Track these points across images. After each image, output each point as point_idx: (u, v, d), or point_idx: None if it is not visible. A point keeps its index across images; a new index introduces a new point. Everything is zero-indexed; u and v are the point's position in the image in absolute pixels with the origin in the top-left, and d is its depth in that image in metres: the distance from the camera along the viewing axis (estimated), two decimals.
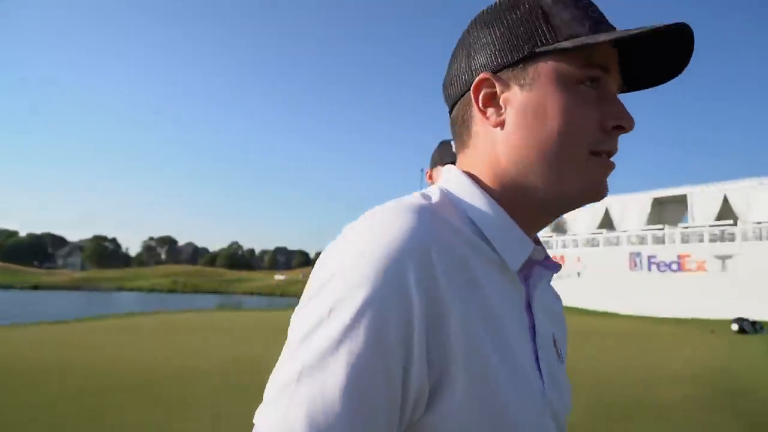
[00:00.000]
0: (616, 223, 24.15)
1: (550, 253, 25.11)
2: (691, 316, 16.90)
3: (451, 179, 0.58)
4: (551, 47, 0.51)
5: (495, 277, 0.52)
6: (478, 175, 0.57)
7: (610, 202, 24.41)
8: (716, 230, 19.30)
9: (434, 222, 0.49)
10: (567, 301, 22.27)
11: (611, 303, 20.54)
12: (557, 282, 19.37)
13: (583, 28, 0.51)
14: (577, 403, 6.29)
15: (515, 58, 0.53)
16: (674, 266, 19.85)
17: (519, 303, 0.54)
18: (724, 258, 18.39)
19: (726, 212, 20.18)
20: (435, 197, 0.54)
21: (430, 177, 1.79)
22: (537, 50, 0.52)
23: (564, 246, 24.58)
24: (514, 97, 0.53)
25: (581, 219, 25.38)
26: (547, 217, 0.57)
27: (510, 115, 0.53)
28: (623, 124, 0.51)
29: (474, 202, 0.54)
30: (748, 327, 12.49)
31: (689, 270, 19.42)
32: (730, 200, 20.00)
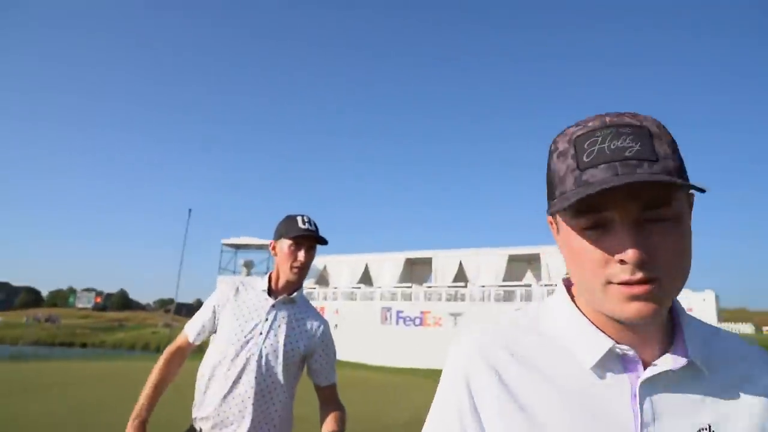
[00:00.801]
0: (373, 278, 26.07)
1: (315, 304, 25.60)
2: (428, 367, 18.87)
3: (555, 291, 0.75)
4: (553, 208, 0.60)
5: (563, 370, 0.64)
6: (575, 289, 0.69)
7: (369, 259, 26.37)
8: (452, 290, 22.31)
9: (496, 330, 0.70)
10: None
11: (364, 355, 21.75)
12: None
13: (569, 183, 0.59)
14: None
15: (548, 212, 0.64)
16: (417, 321, 22.19)
17: (605, 397, 0.61)
18: (456, 315, 21.29)
19: (461, 275, 23.56)
20: (531, 309, 0.74)
21: (273, 248, 2.00)
22: (548, 210, 0.63)
23: (325, 298, 25.45)
24: (558, 237, 0.67)
25: (343, 273, 26.74)
26: (627, 327, 0.63)
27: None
28: (624, 258, 0.56)
29: (556, 311, 0.71)
30: None
31: (429, 324, 21.92)
32: (464, 265, 23.47)
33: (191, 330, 1.98)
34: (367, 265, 26.37)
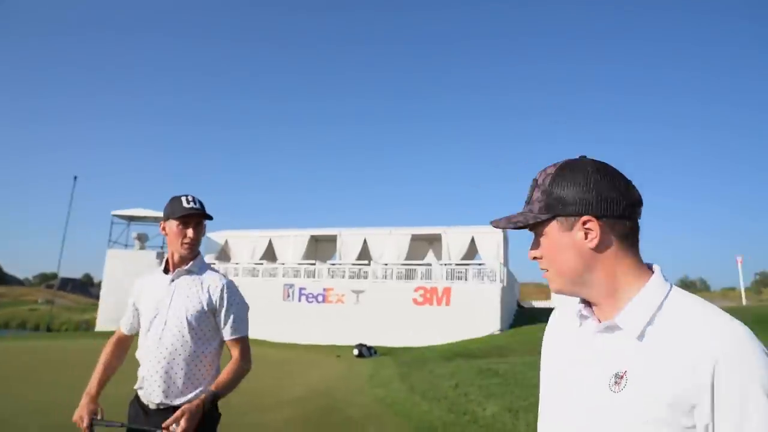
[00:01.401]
0: (277, 254, 25.57)
1: None
2: (330, 343, 18.93)
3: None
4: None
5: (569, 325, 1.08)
6: None
7: (273, 235, 25.80)
8: (355, 268, 22.46)
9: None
10: None
11: (265, 331, 21.38)
12: None
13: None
14: None
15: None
16: (320, 298, 22.13)
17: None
18: (358, 292, 21.48)
19: (365, 253, 23.76)
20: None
21: (164, 229, 2.24)
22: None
23: (225, 274, 24.57)
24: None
25: (245, 249, 25.97)
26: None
27: None
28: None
29: None
30: (365, 351, 14.68)
31: (331, 301, 21.95)
32: (369, 243, 23.67)
33: (122, 324, 2.38)
34: (270, 241, 25.81)
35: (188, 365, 2.13)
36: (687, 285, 68.99)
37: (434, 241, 25.15)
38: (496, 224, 1.04)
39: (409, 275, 21.53)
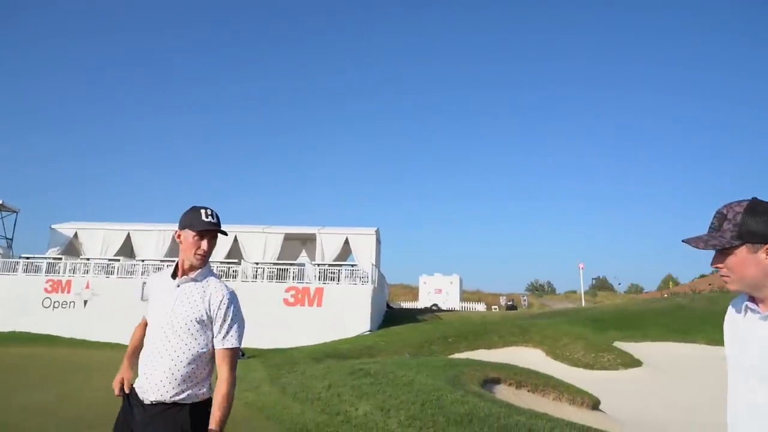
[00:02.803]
0: (136, 250, 23.58)
1: (52, 278, 21.83)
2: None
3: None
4: None
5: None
6: None
7: (132, 229, 23.74)
8: (224, 266, 21.47)
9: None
10: (70, 332, 19.97)
11: (121, 334, 19.58)
12: (62, 311, 16.70)
13: None
14: None
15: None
16: None
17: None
18: None
19: (235, 251, 22.82)
20: None
21: (179, 236, 2.43)
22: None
23: (73, 271, 22.12)
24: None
25: (98, 243, 23.57)
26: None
27: None
28: None
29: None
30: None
31: None
32: (240, 241, 22.76)
33: (145, 314, 2.53)
34: (129, 236, 23.72)
35: (186, 367, 2.28)
36: (536, 288, 76.09)
37: (308, 241, 24.94)
38: (695, 244, 1.54)
39: (281, 275, 21.08)
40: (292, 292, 20.32)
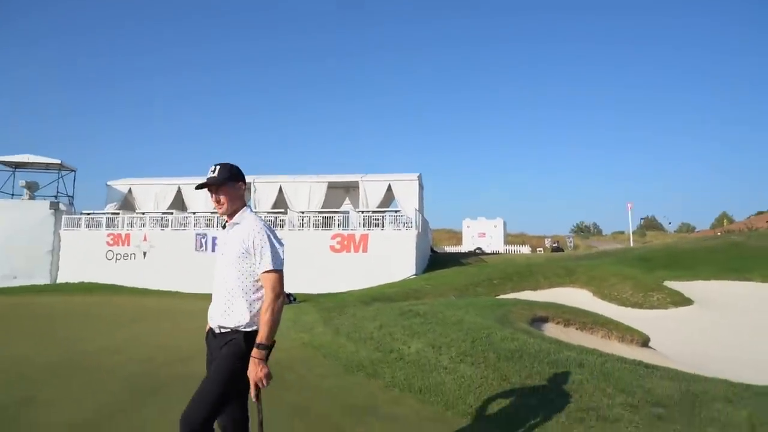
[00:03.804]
0: (187, 203, 24.44)
1: (112, 231, 23.20)
2: None
3: None
4: None
5: None
6: None
7: (182, 183, 24.54)
8: (271, 216, 22.05)
9: None
10: (132, 281, 21.25)
11: (177, 283, 20.67)
12: (124, 262, 17.82)
13: None
14: (124, 380, 5.82)
15: None
16: None
17: None
18: None
19: (281, 202, 23.33)
20: None
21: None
22: None
23: (131, 225, 23.24)
24: None
25: (151, 198, 24.58)
26: None
27: None
28: None
29: None
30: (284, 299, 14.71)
31: None
32: (284, 191, 23.21)
33: None
34: (179, 189, 24.55)
35: (238, 296, 2.66)
36: (582, 229, 74.80)
37: (351, 189, 25.17)
38: None
39: (326, 223, 21.50)
40: (338, 239, 20.75)
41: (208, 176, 2.73)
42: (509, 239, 44.66)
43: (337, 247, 20.68)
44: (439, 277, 19.30)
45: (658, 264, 20.22)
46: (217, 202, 2.77)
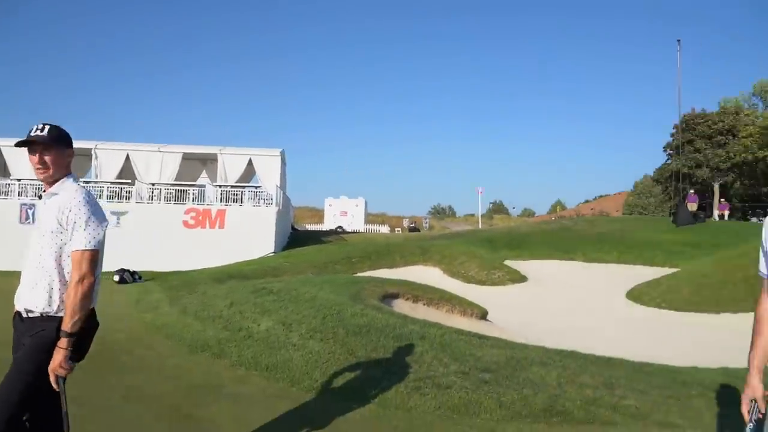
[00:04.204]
0: (11, 169, 21.34)
1: None
2: None
3: None
4: None
5: None
6: None
7: (5, 145, 21.33)
8: (115, 187, 20.13)
9: None
10: None
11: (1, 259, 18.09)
12: None
13: None
14: None
15: None
16: None
17: None
18: (119, 214, 19.36)
19: (128, 172, 21.34)
20: None
21: None
22: None
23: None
24: None
25: None
26: None
27: None
28: None
29: None
30: (127, 277, 13.55)
31: None
32: (132, 160, 21.25)
33: None
34: (0, 152, 21.34)
35: (47, 277, 2.39)
36: (438, 211, 79.39)
37: (209, 161, 23.86)
38: None
39: (179, 197, 20.18)
40: (192, 214, 19.61)
41: (35, 133, 2.41)
42: (370, 219, 45.86)
43: (191, 222, 19.55)
44: (298, 255, 19.21)
45: (501, 245, 22.15)
46: (42, 164, 2.43)
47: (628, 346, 8.52)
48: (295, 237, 24.84)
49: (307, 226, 39.87)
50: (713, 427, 4.06)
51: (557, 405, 4.21)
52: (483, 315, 9.95)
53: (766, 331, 2.01)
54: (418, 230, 41.92)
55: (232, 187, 20.75)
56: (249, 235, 19.36)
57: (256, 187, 21.08)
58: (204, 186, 21.02)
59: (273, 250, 19.59)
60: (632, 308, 14.04)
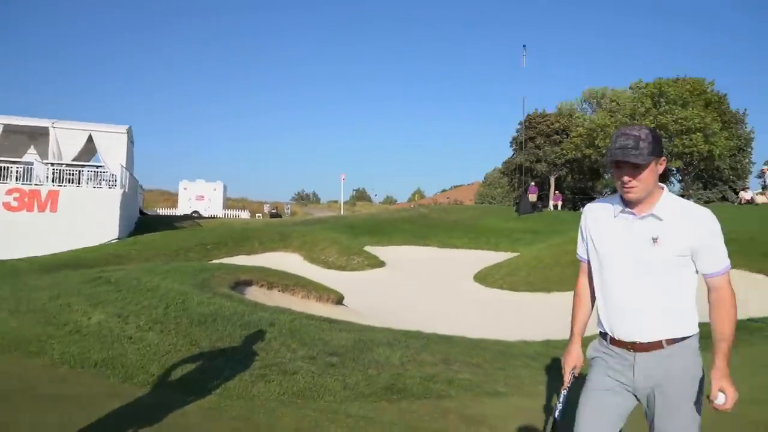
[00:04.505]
0: None
1: None
2: None
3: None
4: None
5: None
6: None
7: None
8: None
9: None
10: None
11: None
12: None
13: None
14: None
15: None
16: None
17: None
18: None
19: None
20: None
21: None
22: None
23: None
24: None
25: None
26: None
27: None
28: None
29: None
30: None
31: None
32: None
33: None
34: None
35: None
36: (303, 197, 78.75)
37: (39, 136, 21.01)
38: (633, 160, 1.87)
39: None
40: (16, 194, 17.18)
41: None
42: (229, 204, 44.03)
43: (15, 204, 17.10)
44: (147, 242, 17.81)
45: (361, 231, 22.61)
46: None
47: (471, 324, 9.21)
48: (145, 222, 22.98)
49: (158, 211, 37.14)
50: (534, 393, 4.52)
51: (398, 383, 4.38)
52: (339, 300, 10.04)
53: (583, 305, 2.26)
54: (280, 216, 41.21)
55: (68, 165, 18.54)
56: (88, 220, 17.47)
57: (97, 167, 19.05)
58: (32, 164, 18.50)
59: (117, 236, 17.92)
60: (478, 290, 15.20)
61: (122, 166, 19.19)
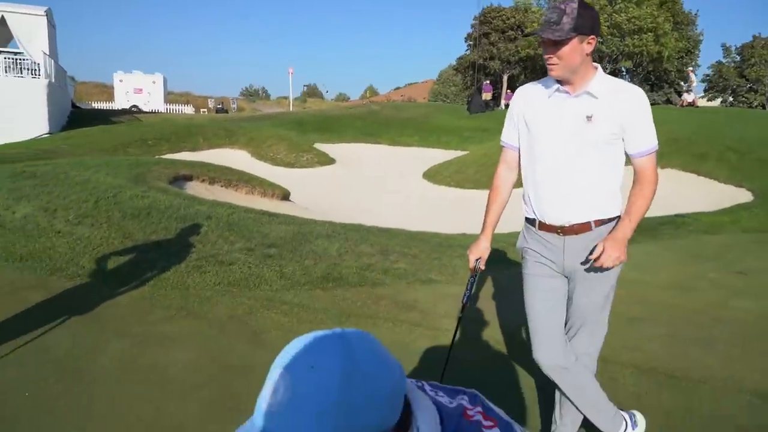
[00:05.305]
0: None
1: None
2: None
3: None
4: None
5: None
6: None
7: None
8: None
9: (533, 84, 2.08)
10: None
11: None
12: None
13: None
14: None
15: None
16: None
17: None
18: None
19: None
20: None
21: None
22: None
23: None
24: None
25: None
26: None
27: None
28: None
29: None
30: None
31: None
32: None
33: None
34: None
35: None
36: (251, 93, 75.44)
37: None
38: (546, 35, 1.77)
39: None
40: None
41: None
42: (171, 98, 41.69)
43: None
44: (81, 137, 16.81)
45: (311, 128, 22.06)
46: None
47: (415, 219, 9.38)
48: (78, 116, 21.54)
49: (93, 105, 34.83)
50: (466, 281, 4.70)
51: (335, 272, 4.44)
52: (285, 196, 9.95)
53: (499, 198, 2.24)
54: (226, 111, 39.48)
55: None
56: (11, 113, 16.18)
57: (15, 53, 17.33)
58: None
59: (48, 131, 16.80)
60: (427, 187, 15.40)
61: (44, 53, 17.53)
